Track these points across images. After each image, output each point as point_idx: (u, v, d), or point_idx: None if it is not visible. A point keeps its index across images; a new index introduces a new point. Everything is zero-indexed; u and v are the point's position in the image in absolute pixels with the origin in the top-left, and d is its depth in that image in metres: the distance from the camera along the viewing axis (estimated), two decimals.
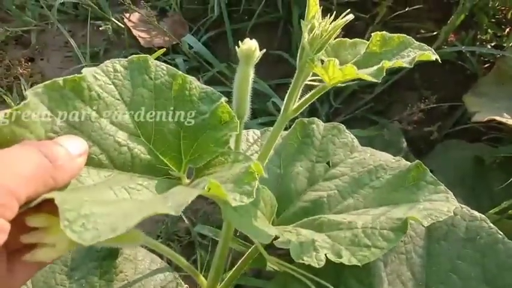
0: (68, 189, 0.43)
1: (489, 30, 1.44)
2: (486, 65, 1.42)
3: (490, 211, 0.93)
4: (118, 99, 0.52)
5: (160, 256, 0.77)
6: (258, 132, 0.79)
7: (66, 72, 1.55)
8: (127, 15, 1.63)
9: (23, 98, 0.44)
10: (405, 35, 0.61)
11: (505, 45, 1.37)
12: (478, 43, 1.43)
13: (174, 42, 1.54)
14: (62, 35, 1.59)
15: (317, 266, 0.53)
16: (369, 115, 1.37)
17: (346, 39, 0.64)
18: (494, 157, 1.17)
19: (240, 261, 0.72)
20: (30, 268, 0.45)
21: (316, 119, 0.77)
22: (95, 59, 1.58)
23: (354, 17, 0.55)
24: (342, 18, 0.55)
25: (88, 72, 0.50)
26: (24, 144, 0.41)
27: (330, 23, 0.55)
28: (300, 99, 0.62)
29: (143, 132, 0.53)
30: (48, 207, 0.42)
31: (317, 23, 0.55)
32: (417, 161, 0.66)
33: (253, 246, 0.70)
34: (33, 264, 0.44)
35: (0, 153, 0.39)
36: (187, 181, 0.54)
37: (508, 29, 1.44)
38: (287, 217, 0.68)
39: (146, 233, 1.15)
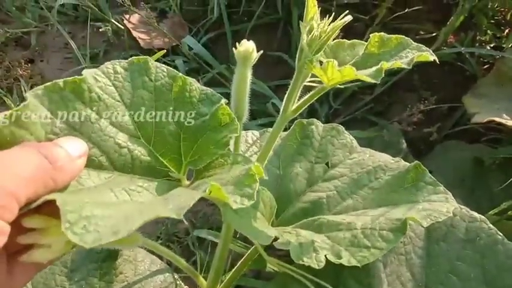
0: (68, 191, 0.43)
1: (488, 32, 1.44)
2: (485, 66, 1.42)
3: (490, 212, 0.93)
4: (118, 101, 0.52)
5: (160, 257, 0.77)
6: (257, 133, 0.79)
7: (66, 74, 1.55)
8: (127, 16, 1.63)
9: (23, 99, 0.44)
10: (403, 36, 0.62)
11: (504, 46, 1.38)
12: (477, 44, 1.44)
13: (174, 44, 1.54)
14: (62, 37, 1.59)
15: (317, 267, 0.53)
16: (369, 116, 1.37)
17: (344, 40, 0.65)
18: (493, 158, 1.17)
19: (239, 262, 0.72)
20: (29, 270, 0.45)
21: (315, 120, 0.77)
22: (95, 61, 1.59)
23: (352, 18, 0.55)
24: (341, 19, 0.55)
25: (88, 73, 0.50)
26: (23, 146, 0.41)
27: (329, 24, 0.55)
28: (299, 100, 0.62)
29: (143, 134, 0.53)
30: (47, 208, 0.42)
31: (316, 24, 0.55)
32: (416, 161, 0.66)
33: (252, 247, 0.70)
34: (32, 266, 0.44)
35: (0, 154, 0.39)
36: (187, 183, 0.54)
37: (507, 30, 1.45)
38: (286, 218, 0.69)
39: (146, 234, 1.15)
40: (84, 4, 1.63)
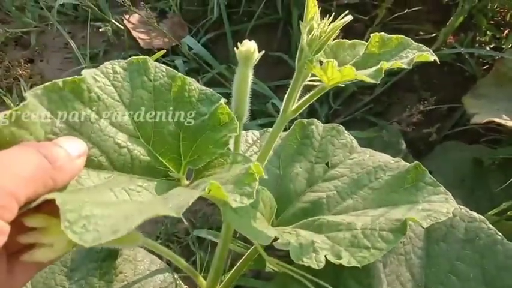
0: (68, 190, 0.43)
1: (488, 32, 1.44)
2: (485, 67, 1.42)
3: (489, 212, 0.93)
4: (117, 101, 0.52)
5: (160, 257, 0.77)
6: (257, 133, 0.79)
7: (65, 74, 1.55)
8: (127, 16, 1.63)
9: (22, 99, 0.44)
10: (404, 36, 0.61)
11: (503, 47, 1.38)
12: (477, 45, 1.44)
13: (174, 44, 1.54)
14: (62, 36, 1.59)
15: (317, 268, 0.53)
16: (368, 116, 1.37)
17: (345, 40, 0.65)
18: (493, 158, 1.17)
19: (239, 262, 0.72)
20: (29, 269, 0.45)
21: (315, 120, 0.77)
22: (95, 61, 1.59)
23: (352, 18, 0.55)
24: (341, 19, 0.55)
25: (87, 73, 0.50)
26: (23, 146, 0.41)
27: (329, 24, 0.55)
28: (299, 100, 0.62)
29: (143, 134, 0.53)
30: (47, 208, 0.42)
31: (316, 24, 0.55)
32: (416, 162, 0.66)
33: (252, 247, 0.70)
34: (32, 265, 0.44)
35: None
36: (187, 182, 0.54)
37: (506, 31, 1.45)
38: (286, 218, 0.69)
39: (146, 234, 1.15)
40: (84, 4, 1.63)
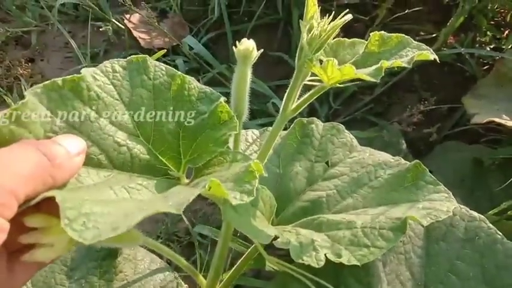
0: (67, 188, 0.43)
1: (488, 33, 1.44)
2: (485, 67, 1.42)
3: (489, 212, 0.93)
4: (117, 100, 0.52)
5: (160, 256, 0.77)
6: (257, 132, 0.79)
7: (66, 73, 1.54)
8: (127, 16, 1.63)
9: (23, 98, 0.44)
10: (403, 35, 0.61)
11: (504, 47, 1.38)
12: (477, 45, 1.44)
13: (174, 44, 1.54)
14: (62, 36, 1.59)
15: (317, 266, 0.53)
16: (369, 116, 1.37)
17: (345, 39, 0.65)
18: (493, 159, 1.17)
19: (239, 261, 0.72)
20: (30, 268, 0.45)
21: (315, 118, 0.77)
22: (95, 60, 1.59)
23: (352, 17, 0.55)
24: (341, 18, 0.55)
25: (87, 72, 0.50)
26: (22, 143, 0.41)
27: (329, 23, 0.55)
28: (299, 99, 0.62)
29: (142, 132, 0.53)
30: (47, 207, 0.42)
31: (316, 23, 0.55)
32: (416, 160, 0.66)
33: (252, 246, 0.70)
34: (33, 265, 0.44)
35: None
36: (187, 181, 0.54)
37: (507, 31, 1.45)
38: (286, 217, 0.69)
39: (146, 233, 1.15)
40: (84, 3, 1.63)
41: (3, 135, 0.41)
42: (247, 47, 0.56)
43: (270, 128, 0.66)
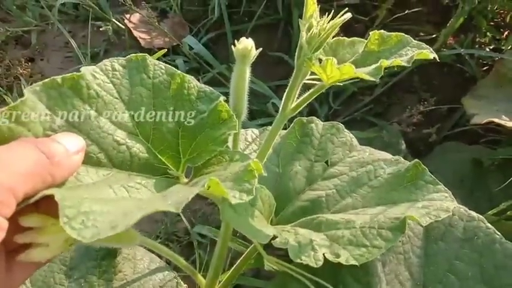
0: (66, 187, 0.43)
1: (488, 33, 1.44)
2: (485, 68, 1.42)
3: (489, 212, 0.93)
4: (116, 98, 0.52)
5: (160, 256, 0.77)
6: (256, 131, 0.79)
7: (66, 73, 1.52)
8: (127, 16, 1.63)
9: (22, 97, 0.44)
10: (403, 34, 0.61)
11: (503, 48, 1.38)
12: (476, 46, 1.44)
13: (175, 43, 1.54)
14: (63, 36, 1.59)
15: (315, 266, 0.53)
16: (368, 117, 1.37)
17: (344, 38, 0.64)
18: (492, 159, 1.17)
19: (238, 261, 0.72)
20: (28, 268, 0.45)
21: (315, 118, 0.77)
22: (95, 60, 1.58)
23: (351, 16, 0.55)
24: (340, 17, 0.55)
25: (86, 70, 0.50)
26: (21, 141, 0.41)
27: (328, 22, 0.55)
28: (298, 98, 0.62)
29: (142, 131, 0.53)
30: (45, 205, 0.42)
31: (315, 22, 0.55)
32: (416, 160, 0.66)
33: (251, 246, 0.70)
34: (31, 264, 0.44)
35: None
36: (186, 180, 0.54)
37: (506, 32, 1.45)
38: (285, 216, 0.68)
39: (145, 233, 1.15)
40: (84, 3, 1.63)
41: (2, 133, 0.41)
42: (246, 46, 0.56)
43: (270, 128, 0.66)
